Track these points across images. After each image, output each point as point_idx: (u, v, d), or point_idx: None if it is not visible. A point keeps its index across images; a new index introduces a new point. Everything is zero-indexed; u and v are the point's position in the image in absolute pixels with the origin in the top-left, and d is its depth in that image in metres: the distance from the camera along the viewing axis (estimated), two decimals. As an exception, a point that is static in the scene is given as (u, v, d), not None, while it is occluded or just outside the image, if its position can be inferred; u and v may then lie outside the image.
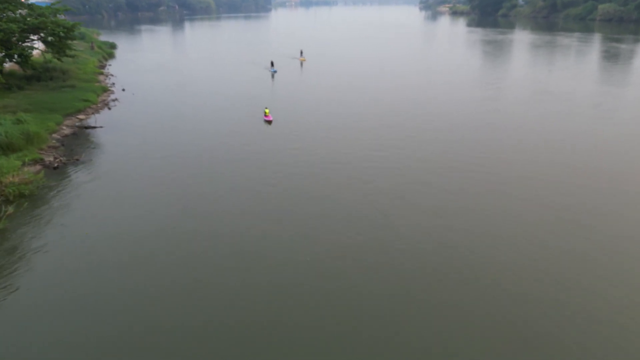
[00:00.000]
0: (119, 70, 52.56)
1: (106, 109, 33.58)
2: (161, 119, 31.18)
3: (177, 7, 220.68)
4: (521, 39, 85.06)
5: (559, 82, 43.92)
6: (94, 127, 28.73)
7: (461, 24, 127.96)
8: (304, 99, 37.26)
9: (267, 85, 44.85)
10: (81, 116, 30.36)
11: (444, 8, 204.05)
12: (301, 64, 56.95)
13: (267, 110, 30.84)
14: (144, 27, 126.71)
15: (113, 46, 74.85)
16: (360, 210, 17.43)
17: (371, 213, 17.13)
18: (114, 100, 36.27)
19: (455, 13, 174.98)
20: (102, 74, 47.32)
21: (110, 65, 56.32)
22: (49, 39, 37.08)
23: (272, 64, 51.28)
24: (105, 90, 38.90)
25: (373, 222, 16.46)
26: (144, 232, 16.18)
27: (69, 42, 39.06)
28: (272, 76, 48.39)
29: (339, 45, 79.07)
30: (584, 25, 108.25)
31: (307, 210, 17.80)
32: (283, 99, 37.40)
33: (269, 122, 30.05)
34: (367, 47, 74.89)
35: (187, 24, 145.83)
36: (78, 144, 25.55)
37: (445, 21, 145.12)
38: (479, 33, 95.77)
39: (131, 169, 22.09)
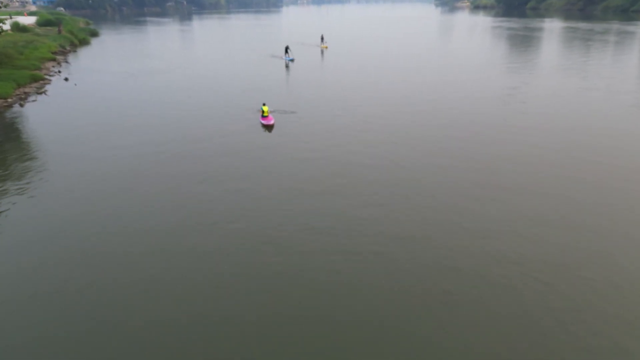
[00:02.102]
0: (84, 57, 43.48)
1: (17, 107, 23.98)
2: (93, 122, 21.46)
3: (185, 2, 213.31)
4: (583, 27, 73.71)
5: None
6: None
7: (490, 18, 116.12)
8: (322, 95, 26.96)
9: (280, 77, 34.80)
10: (-38, 114, 20.83)
11: (463, 3, 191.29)
12: (322, 51, 47.97)
13: (265, 109, 20.91)
14: (147, 20, 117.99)
15: (94, 33, 66.19)
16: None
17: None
18: (40, 94, 26.76)
19: (477, 7, 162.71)
20: (54, 60, 38.01)
21: (74, 52, 47.04)
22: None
23: (286, 50, 41.07)
24: (38, 79, 29.44)
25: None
26: None
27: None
28: (287, 66, 38.49)
29: (359, 39, 68.22)
30: (626, 17, 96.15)
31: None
32: (296, 94, 27.46)
33: (268, 126, 20.33)
34: (392, 42, 64.58)
35: (193, 19, 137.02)
36: None
37: (472, 17, 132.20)
38: (519, 22, 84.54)
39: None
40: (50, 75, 31.81)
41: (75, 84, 29.53)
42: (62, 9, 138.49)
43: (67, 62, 38.84)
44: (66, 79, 30.98)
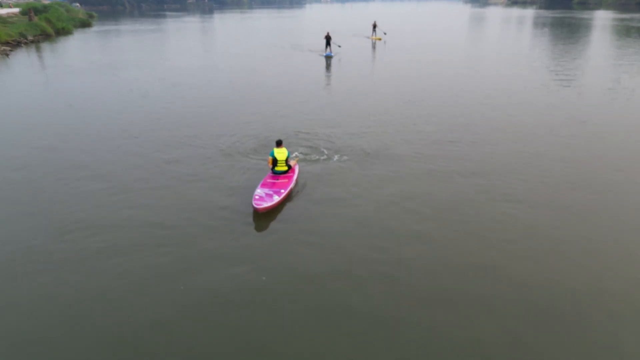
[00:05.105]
0: (43, 51, 35.34)
1: None
2: None
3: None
4: None
5: None
6: None
7: (542, 11, 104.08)
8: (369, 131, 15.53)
9: (312, 86, 22.81)
10: None
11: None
12: (374, 44, 38.38)
13: (281, 153, 10.82)
14: (163, 14, 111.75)
15: (86, 23, 58.60)
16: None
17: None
18: None
19: (516, 3, 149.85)
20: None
21: (39, 42, 39.06)
22: None
23: (327, 41, 31.38)
24: None
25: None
26: None
27: None
28: (327, 64, 28.64)
29: (411, 33, 58.01)
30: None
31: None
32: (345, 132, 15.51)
33: (264, 210, 9.61)
34: (453, 40, 54.72)
35: (213, 15, 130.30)
36: None
37: (521, 11, 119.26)
38: (589, 15, 73.10)
39: None
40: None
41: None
42: (77, 5, 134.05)
43: (7, 55, 30.53)
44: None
